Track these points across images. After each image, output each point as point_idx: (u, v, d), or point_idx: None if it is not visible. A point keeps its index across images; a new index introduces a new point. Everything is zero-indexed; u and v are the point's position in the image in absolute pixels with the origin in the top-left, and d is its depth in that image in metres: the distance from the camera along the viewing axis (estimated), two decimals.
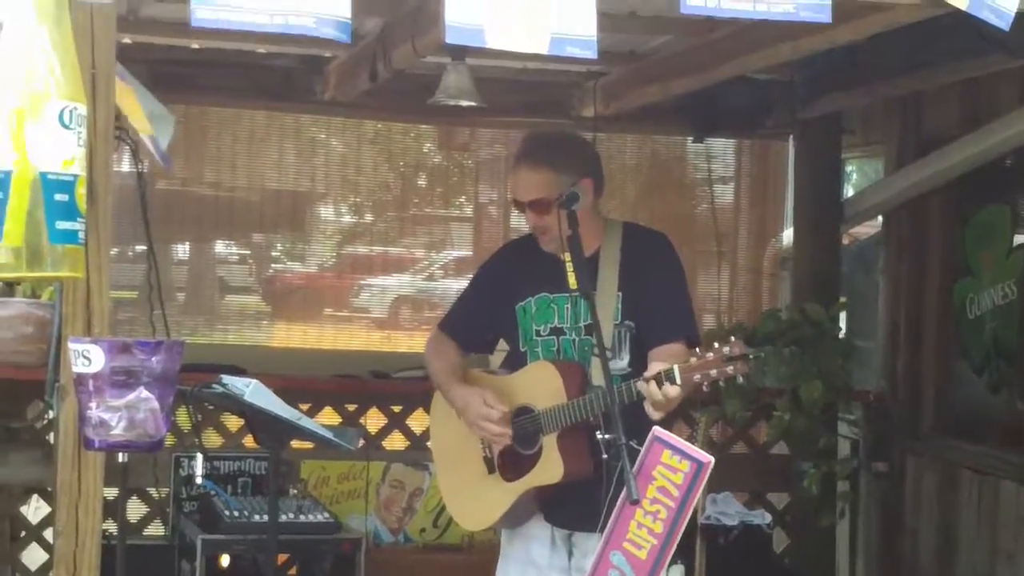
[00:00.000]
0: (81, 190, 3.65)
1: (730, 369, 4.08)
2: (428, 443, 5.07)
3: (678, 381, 4.09)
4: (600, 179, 4.66)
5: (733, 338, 4.11)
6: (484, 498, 4.69)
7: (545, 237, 4.55)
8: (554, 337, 4.64)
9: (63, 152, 3.61)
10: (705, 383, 4.11)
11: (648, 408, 4.20)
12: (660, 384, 4.11)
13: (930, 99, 6.84)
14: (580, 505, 4.42)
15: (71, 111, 3.59)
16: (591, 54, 4.24)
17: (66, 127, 3.59)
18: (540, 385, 4.54)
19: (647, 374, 4.15)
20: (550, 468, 4.49)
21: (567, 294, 4.45)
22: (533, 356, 4.68)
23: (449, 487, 4.88)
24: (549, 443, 4.49)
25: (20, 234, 3.59)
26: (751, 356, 4.07)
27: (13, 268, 3.69)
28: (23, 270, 3.65)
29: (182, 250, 8.55)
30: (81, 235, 3.65)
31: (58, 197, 3.60)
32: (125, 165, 6.63)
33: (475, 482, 4.71)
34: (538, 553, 4.71)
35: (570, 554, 4.70)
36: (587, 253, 4.52)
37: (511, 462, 4.61)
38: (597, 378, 4.37)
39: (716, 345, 4.10)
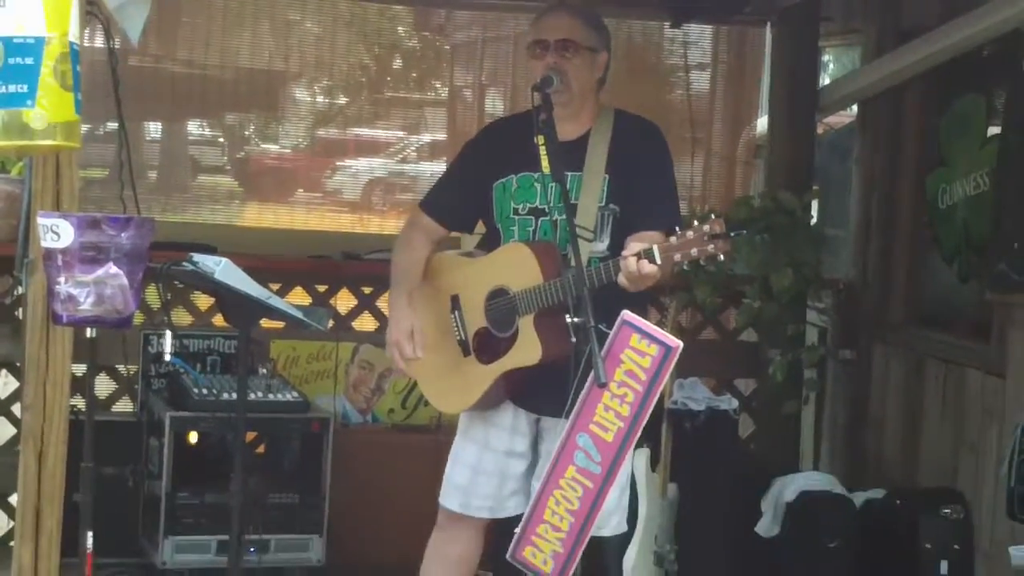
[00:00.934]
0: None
1: (711, 248, 4.05)
2: None
3: (658, 260, 4.08)
4: (610, 60, 4.70)
5: (714, 216, 4.09)
6: (461, 380, 4.69)
7: (557, 86, 4.48)
8: (532, 218, 4.63)
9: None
10: (685, 262, 4.09)
11: (622, 280, 4.18)
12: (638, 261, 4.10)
13: None
14: (551, 389, 4.43)
15: None
16: None
17: None
18: (515, 267, 4.52)
19: (625, 252, 4.14)
20: (528, 349, 4.48)
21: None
22: (508, 235, 4.67)
23: (423, 371, 4.86)
24: (526, 325, 4.48)
25: None
26: (732, 235, 4.06)
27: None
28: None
29: (154, 129, 8.48)
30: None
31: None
32: (97, 41, 6.55)
33: (450, 365, 4.71)
34: (496, 437, 4.74)
35: (536, 438, 4.72)
36: (579, 133, 4.56)
37: (487, 344, 4.61)
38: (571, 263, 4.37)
39: (696, 224, 4.08)
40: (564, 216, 4.41)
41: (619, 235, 4.46)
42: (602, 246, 4.49)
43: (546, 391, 4.48)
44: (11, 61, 3.65)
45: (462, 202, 4.82)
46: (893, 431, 6.86)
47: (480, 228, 4.89)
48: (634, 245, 4.15)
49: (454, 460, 4.86)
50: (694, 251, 4.07)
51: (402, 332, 4.70)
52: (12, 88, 3.60)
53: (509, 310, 4.54)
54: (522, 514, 4.43)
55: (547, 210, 4.55)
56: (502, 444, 4.73)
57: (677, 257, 4.08)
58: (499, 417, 4.73)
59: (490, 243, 4.77)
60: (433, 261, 4.83)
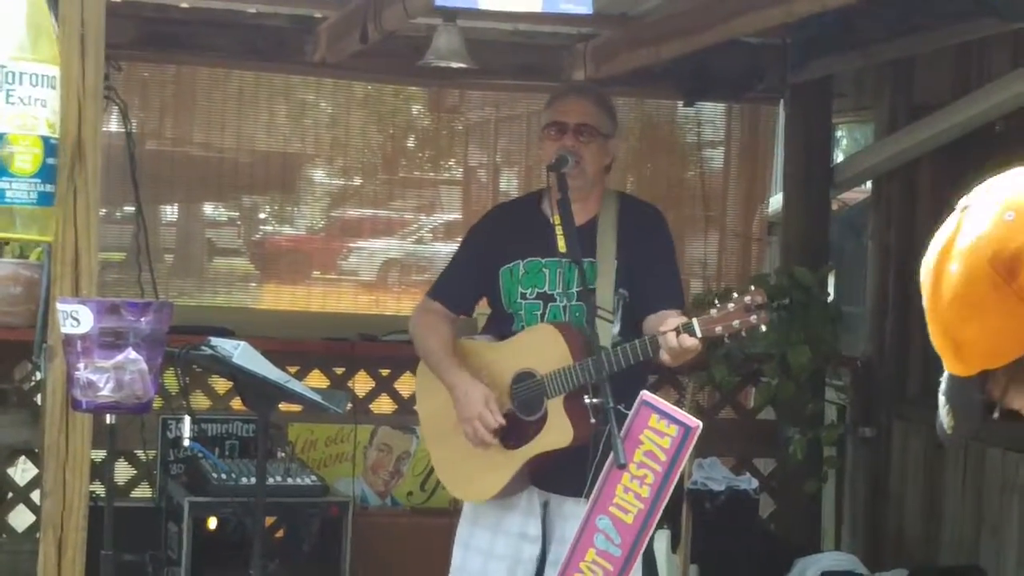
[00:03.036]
0: (7, 150, 3.62)
1: (753, 319, 4.04)
2: (415, 407, 5.03)
3: (698, 334, 4.07)
4: (617, 147, 4.78)
5: (753, 287, 4.07)
6: (484, 467, 4.61)
7: (571, 168, 4.50)
8: (540, 302, 4.62)
9: None
10: (727, 335, 4.08)
11: (664, 357, 4.15)
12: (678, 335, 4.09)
13: (922, 64, 6.83)
14: (566, 468, 4.41)
15: None
16: (586, 9, 4.25)
17: None
18: (542, 348, 4.50)
19: (664, 328, 4.12)
20: (558, 432, 4.43)
21: (559, 259, 4.46)
22: (518, 320, 4.66)
23: (443, 459, 4.80)
24: (555, 407, 4.44)
25: None
26: (774, 305, 4.04)
27: None
28: None
29: (170, 211, 8.51)
30: (9, 195, 3.63)
31: None
32: (113, 125, 6.60)
33: (472, 452, 4.62)
34: (509, 520, 4.68)
35: (546, 518, 4.68)
36: (587, 217, 4.56)
37: (512, 429, 4.55)
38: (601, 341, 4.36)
39: (736, 296, 4.06)
40: (577, 301, 4.42)
41: (629, 319, 4.44)
42: (616, 329, 4.48)
43: (557, 469, 4.47)
44: (49, 161, 3.68)
45: (471, 287, 4.81)
46: (913, 509, 6.83)
47: (482, 307, 4.88)
48: (671, 321, 4.14)
49: (464, 547, 4.77)
50: (736, 323, 4.06)
51: (479, 402, 4.53)
52: (49, 188, 3.63)
53: (537, 393, 4.50)
54: None
55: (555, 296, 4.56)
56: (515, 527, 4.68)
57: (718, 330, 4.07)
58: (512, 499, 4.69)
59: (496, 326, 4.75)
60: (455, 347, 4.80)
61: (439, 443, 4.81)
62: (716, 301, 4.11)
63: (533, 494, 4.66)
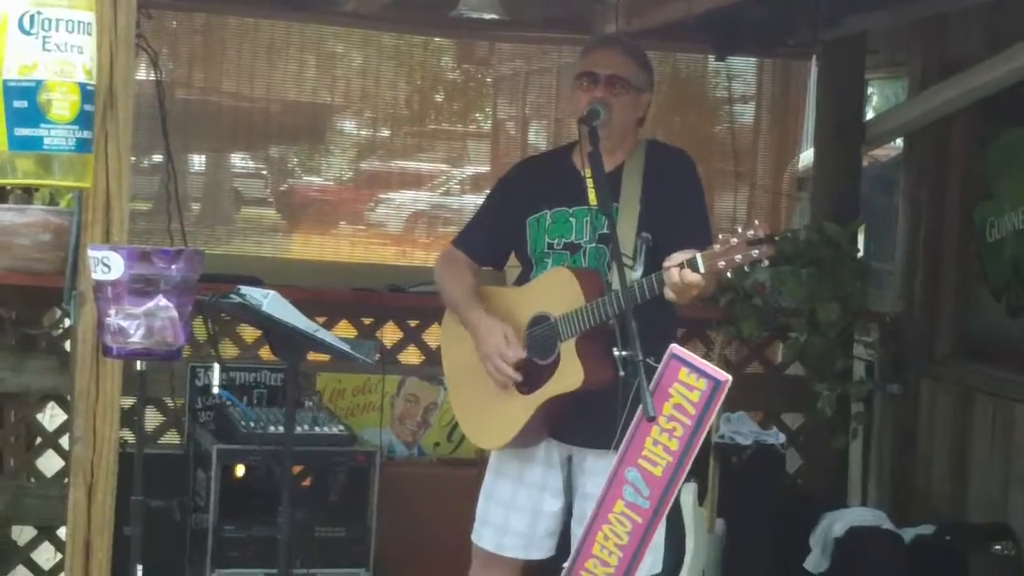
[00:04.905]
0: (45, 96, 3.61)
1: (755, 253, 3.99)
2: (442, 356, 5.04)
3: (701, 269, 4.04)
4: (651, 102, 4.74)
5: (757, 221, 4.05)
6: (500, 414, 4.63)
7: (603, 119, 4.47)
8: (567, 252, 4.61)
9: (21, 58, 3.58)
10: (729, 269, 4.04)
11: (668, 293, 4.13)
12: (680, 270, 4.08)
13: (955, 21, 6.78)
14: (585, 420, 4.41)
15: (32, 16, 3.55)
16: None
17: (25, 32, 3.55)
18: (557, 291, 4.50)
19: (667, 263, 4.10)
20: (569, 375, 4.44)
21: (587, 207, 4.45)
22: (542, 268, 4.65)
23: (463, 406, 4.83)
24: (567, 350, 4.44)
25: (1, 139, 3.58)
26: (776, 238, 4.02)
27: (32, 175, 3.69)
28: (29, 177, 3.65)
29: (198, 161, 8.52)
30: (47, 141, 3.62)
31: (16, 104, 3.58)
32: (142, 73, 6.58)
33: (490, 398, 4.65)
34: (530, 472, 4.69)
35: (569, 474, 4.69)
36: (614, 165, 4.54)
37: (528, 374, 4.56)
38: (616, 285, 4.35)
39: (739, 229, 4.04)
40: (598, 243, 4.43)
41: (652, 263, 4.41)
42: (636, 274, 4.43)
43: (580, 421, 4.47)
44: (87, 108, 3.68)
45: (495, 238, 4.81)
46: (941, 466, 6.81)
47: (513, 262, 4.87)
48: (676, 256, 4.10)
49: (487, 497, 4.81)
50: (737, 257, 4.01)
51: (498, 336, 4.55)
52: (87, 134, 3.63)
53: (550, 336, 4.50)
54: (553, 558, 4.40)
55: (583, 244, 4.56)
56: (536, 478, 4.69)
57: (721, 264, 4.03)
58: (532, 450, 4.68)
59: (525, 278, 4.75)
60: None
61: (460, 390, 4.84)
62: (756, 221, 4.08)
63: (552, 447, 4.67)
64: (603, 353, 4.28)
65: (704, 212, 4.67)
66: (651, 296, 4.20)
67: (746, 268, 4.08)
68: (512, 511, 4.73)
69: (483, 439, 4.82)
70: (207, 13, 7.38)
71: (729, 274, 4.08)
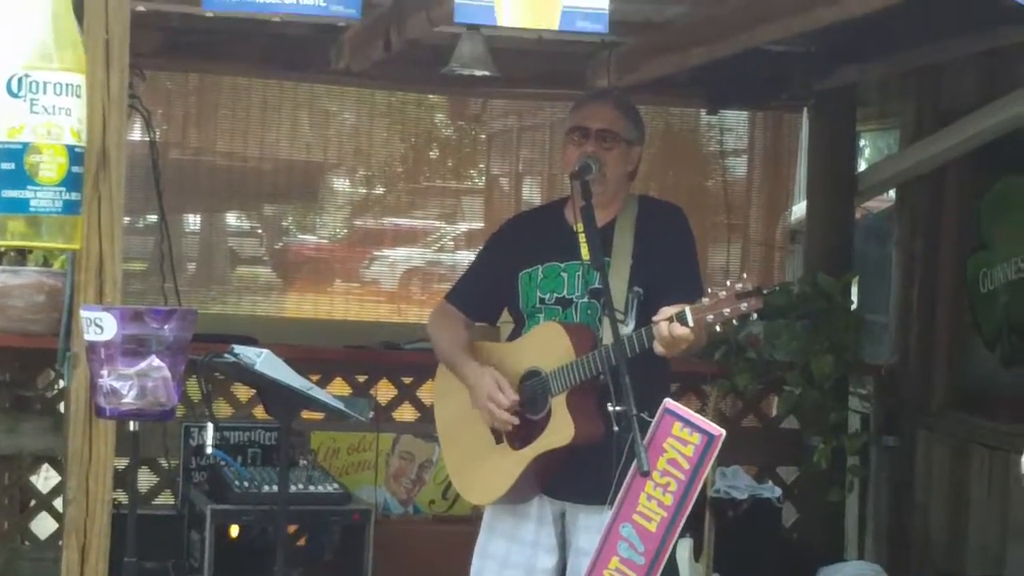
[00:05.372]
0: (32, 158, 3.63)
1: (744, 306, 4.01)
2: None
3: (690, 322, 4.05)
4: (642, 155, 4.74)
5: (745, 274, 4.07)
6: (492, 469, 4.62)
7: (595, 174, 4.48)
8: (559, 307, 4.60)
9: (9, 120, 3.61)
10: (719, 323, 4.05)
11: (658, 347, 4.14)
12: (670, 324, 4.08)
13: (947, 72, 6.81)
14: (578, 476, 4.40)
15: (20, 78, 3.57)
16: (602, 28, 4.25)
17: (13, 95, 3.57)
18: (547, 346, 4.50)
19: (657, 317, 4.11)
20: (560, 429, 4.43)
21: (579, 262, 4.46)
22: (533, 323, 4.64)
23: (455, 461, 4.82)
24: (558, 404, 4.44)
25: None
26: (764, 292, 4.03)
27: (21, 236, 3.70)
28: (18, 238, 3.65)
29: (193, 221, 8.52)
30: (34, 203, 3.63)
31: (4, 166, 3.60)
32: (136, 134, 6.60)
33: (482, 453, 4.65)
34: (524, 529, 4.66)
35: (562, 531, 4.67)
36: (607, 219, 4.54)
37: (520, 429, 4.55)
38: (607, 339, 4.35)
39: (728, 283, 4.06)
40: (590, 299, 4.44)
41: (643, 318, 4.41)
42: (629, 329, 4.44)
43: (572, 477, 4.46)
44: (75, 170, 3.69)
45: (487, 293, 4.81)
46: (938, 518, 6.80)
47: (506, 317, 4.87)
48: (665, 310, 4.12)
49: (482, 555, 4.77)
50: (726, 311, 4.04)
51: (491, 384, 4.54)
52: (75, 196, 3.64)
53: (542, 391, 4.50)
54: None
55: (574, 299, 4.56)
56: (529, 535, 4.67)
57: (710, 318, 4.05)
58: (525, 507, 4.66)
59: (517, 333, 4.74)
60: None
61: (452, 445, 4.83)
62: (744, 275, 4.09)
63: (545, 503, 4.64)
64: (594, 408, 4.30)
65: (696, 267, 4.67)
66: (641, 350, 4.21)
67: (735, 322, 4.09)
68: (506, 568, 4.71)
69: (474, 494, 4.81)
70: (200, 73, 7.40)
71: (718, 328, 4.09)
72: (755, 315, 4.07)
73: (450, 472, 4.91)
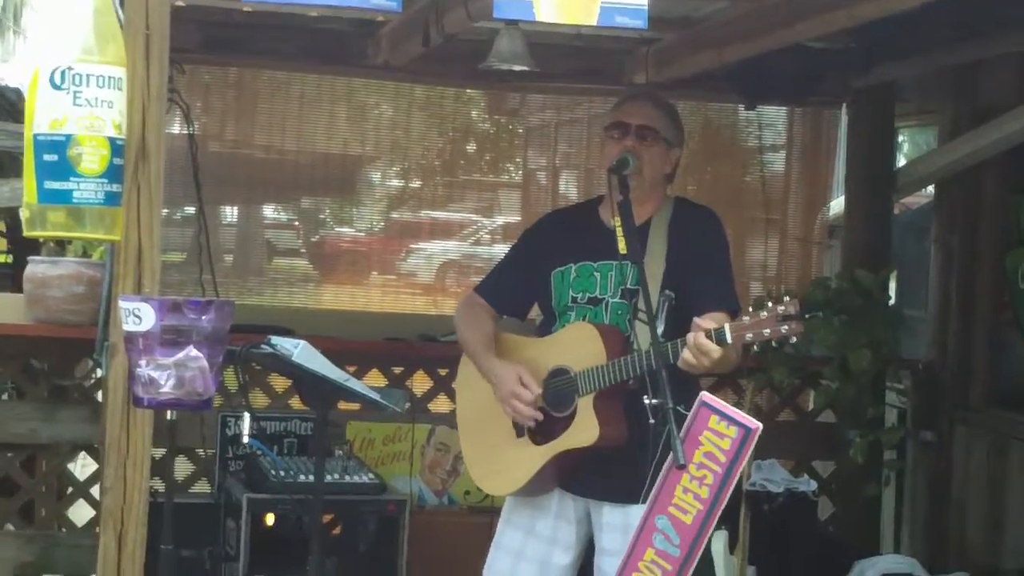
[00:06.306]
0: (75, 150, 3.66)
1: (784, 329, 4.01)
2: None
3: (728, 340, 4.05)
4: (680, 160, 4.74)
5: (788, 297, 4.06)
6: (511, 461, 4.64)
7: (632, 169, 4.48)
8: (590, 306, 4.60)
9: (52, 113, 3.64)
10: (757, 343, 4.06)
11: (680, 363, 4.14)
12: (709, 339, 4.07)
13: (986, 68, 6.79)
14: (603, 474, 4.41)
15: (64, 71, 3.61)
16: (641, 23, 4.25)
17: (56, 88, 3.61)
18: (579, 346, 4.51)
19: (694, 330, 4.10)
20: (585, 430, 4.44)
21: (613, 262, 4.45)
22: (565, 321, 4.64)
23: (473, 450, 4.83)
24: (584, 405, 4.46)
25: (32, 192, 3.63)
26: (807, 316, 4.02)
27: (62, 227, 3.73)
28: (59, 229, 3.69)
29: (230, 213, 8.56)
30: (77, 195, 3.67)
31: (47, 157, 3.64)
32: (175, 127, 6.64)
33: (502, 446, 4.67)
34: (542, 523, 4.68)
35: (587, 530, 4.65)
36: (641, 220, 4.53)
37: (542, 425, 4.57)
38: (637, 343, 4.35)
39: (770, 304, 4.05)
40: (620, 299, 4.44)
41: (673, 321, 4.41)
42: (659, 331, 4.44)
43: (597, 475, 4.47)
44: (116, 162, 3.73)
45: (517, 288, 4.81)
46: (975, 513, 6.77)
47: (535, 312, 4.88)
48: (704, 322, 4.12)
49: (497, 546, 4.80)
50: (766, 331, 4.03)
51: (514, 379, 4.56)
52: (116, 188, 3.67)
53: (568, 390, 4.51)
54: None
55: (606, 299, 4.55)
56: (547, 530, 4.68)
57: (749, 337, 4.05)
58: (545, 501, 4.67)
59: (547, 329, 4.74)
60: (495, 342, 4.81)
61: (471, 435, 4.84)
62: (787, 297, 4.08)
63: (567, 500, 4.65)
64: (620, 412, 4.33)
65: (729, 273, 4.65)
66: (673, 361, 4.19)
67: (773, 343, 4.07)
68: (520, 561, 4.71)
69: (491, 485, 4.83)
70: (239, 67, 7.43)
71: (755, 347, 4.08)
72: (794, 338, 4.06)
73: (467, 461, 4.92)
